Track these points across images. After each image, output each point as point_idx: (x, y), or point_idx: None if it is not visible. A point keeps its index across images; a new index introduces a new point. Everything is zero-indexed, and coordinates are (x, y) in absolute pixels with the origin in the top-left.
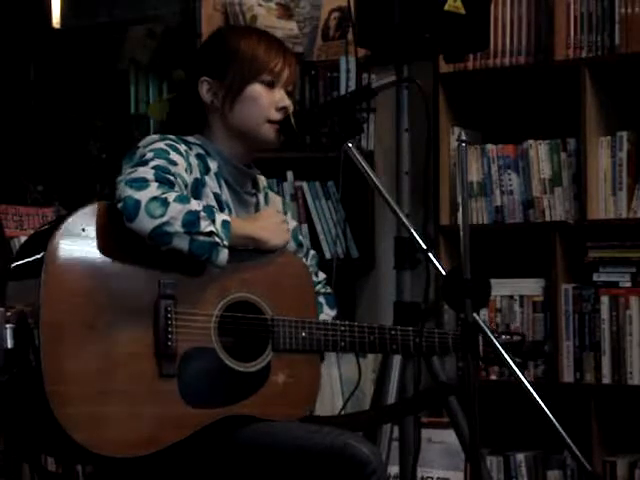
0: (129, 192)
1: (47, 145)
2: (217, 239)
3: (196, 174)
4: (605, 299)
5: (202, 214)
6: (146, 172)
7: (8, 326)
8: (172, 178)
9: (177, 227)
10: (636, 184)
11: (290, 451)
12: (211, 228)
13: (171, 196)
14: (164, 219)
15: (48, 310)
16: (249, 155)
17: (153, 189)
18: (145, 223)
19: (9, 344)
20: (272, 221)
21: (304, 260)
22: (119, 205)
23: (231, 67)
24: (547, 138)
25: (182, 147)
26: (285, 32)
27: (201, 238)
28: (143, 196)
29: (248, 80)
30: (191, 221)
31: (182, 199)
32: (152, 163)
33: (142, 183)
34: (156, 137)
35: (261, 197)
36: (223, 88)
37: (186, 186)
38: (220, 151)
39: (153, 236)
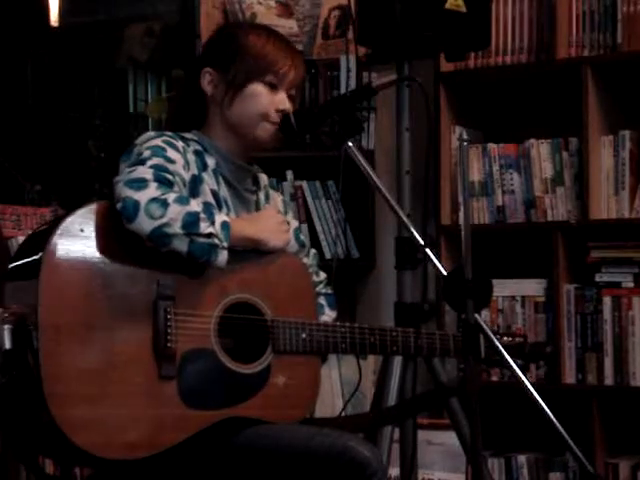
0: (128, 192)
1: (45, 144)
2: (216, 241)
3: (194, 171)
4: (607, 300)
5: (202, 215)
6: (145, 172)
7: (6, 327)
8: (171, 177)
9: (177, 228)
10: (638, 184)
11: (289, 453)
12: (210, 230)
13: (171, 197)
14: (164, 220)
15: (46, 311)
16: (247, 152)
17: (152, 189)
18: (145, 224)
19: (7, 345)
20: (272, 222)
21: (305, 259)
22: (118, 205)
23: (236, 61)
24: (549, 137)
25: (179, 144)
26: (285, 30)
27: (200, 240)
28: (142, 197)
29: (251, 78)
30: (191, 222)
31: (182, 200)
32: (150, 162)
33: (141, 183)
34: (153, 134)
35: (261, 195)
36: (225, 81)
37: (184, 184)
38: (218, 147)
39: (153, 237)
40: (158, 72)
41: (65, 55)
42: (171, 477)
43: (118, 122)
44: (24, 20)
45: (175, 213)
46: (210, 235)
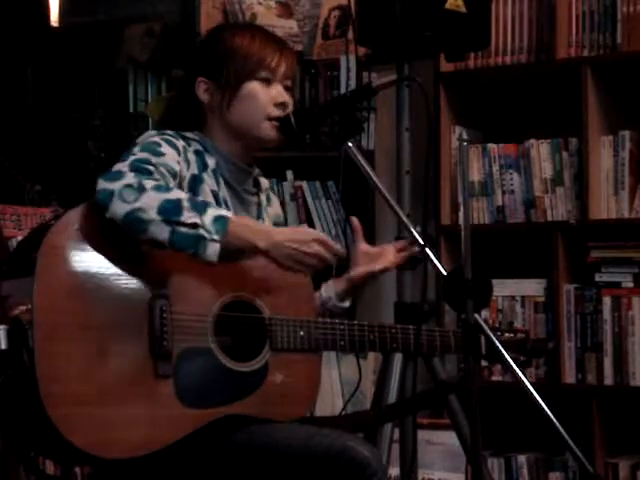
0: (103, 185)
1: (45, 144)
2: (203, 232)
3: (194, 170)
4: (607, 300)
5: (185, 204)
6: (123, 166)
7: (2, 327)
8: (151, 168)
9: (152, 214)
10: (638, 184)
11: (288, 453)
12: (195, 220)
13: (148, 184)
14: (136, 205)
15: (41, 311)
16: (249, 154)
17: (128, 178)
18: (118, 208)
19: (3, 345)
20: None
21: None
22: (95, 198)
23: (226, 66)
24: (549, 137)
25: (180, 142)
26: (285, 31)
27: (183, 230)
28: (117, 185)
29: (244, 78)
30: (169, 209)
31: (160, 188)
32: (132, 157)
33: (117, 174)
34: (153, 132)
35: (263, 197)
36: (220, 88)
37: (175, 176)
38: (219, 149)
39: (126, 222)
40: (158, 72)
41: (65, 55)
42: (169, 476)
43: (118, 122)
44: (24, 20)
45: (150, 199)
46: (195, 225)
